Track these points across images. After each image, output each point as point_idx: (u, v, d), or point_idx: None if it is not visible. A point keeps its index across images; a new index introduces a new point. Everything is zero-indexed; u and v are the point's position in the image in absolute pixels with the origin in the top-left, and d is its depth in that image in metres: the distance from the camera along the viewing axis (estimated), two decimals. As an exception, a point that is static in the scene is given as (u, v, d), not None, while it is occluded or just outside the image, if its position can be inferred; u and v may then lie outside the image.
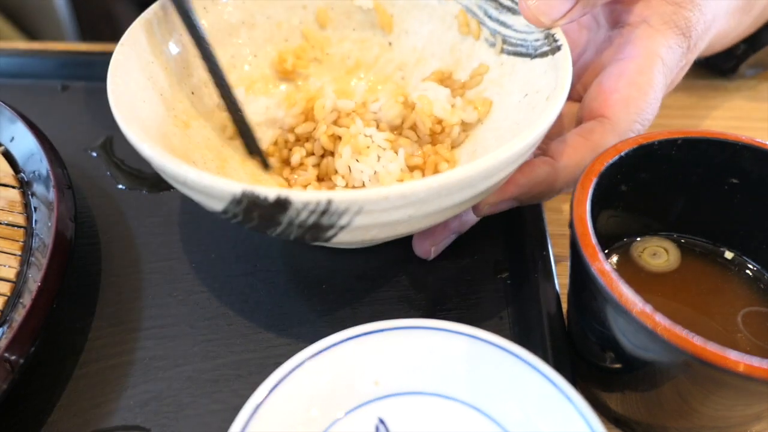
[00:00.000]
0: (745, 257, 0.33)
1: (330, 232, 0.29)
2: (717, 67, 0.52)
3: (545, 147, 0.36)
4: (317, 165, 0.39)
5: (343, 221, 0.28)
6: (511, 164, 0.30)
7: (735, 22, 0.42)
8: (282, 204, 0.27)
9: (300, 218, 0.28)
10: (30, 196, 0.39)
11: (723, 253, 0.33)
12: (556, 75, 0.34)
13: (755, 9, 0.43)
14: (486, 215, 0.36)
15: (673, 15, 0.35)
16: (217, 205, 0.29)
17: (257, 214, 0.28)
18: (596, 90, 0.36)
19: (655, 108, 0.35)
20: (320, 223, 0.28)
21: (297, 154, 0.39)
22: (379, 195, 0.27)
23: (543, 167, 0.34)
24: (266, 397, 0.28)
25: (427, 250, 0.38)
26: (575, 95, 0.40)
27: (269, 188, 0.27)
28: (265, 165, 0.40)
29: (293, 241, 0.34)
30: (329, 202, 0.27)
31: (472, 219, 0.38)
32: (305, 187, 0.39)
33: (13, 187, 0.40)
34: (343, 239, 0.30)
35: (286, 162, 0.41)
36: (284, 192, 0.27)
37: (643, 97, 0.35)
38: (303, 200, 0.27)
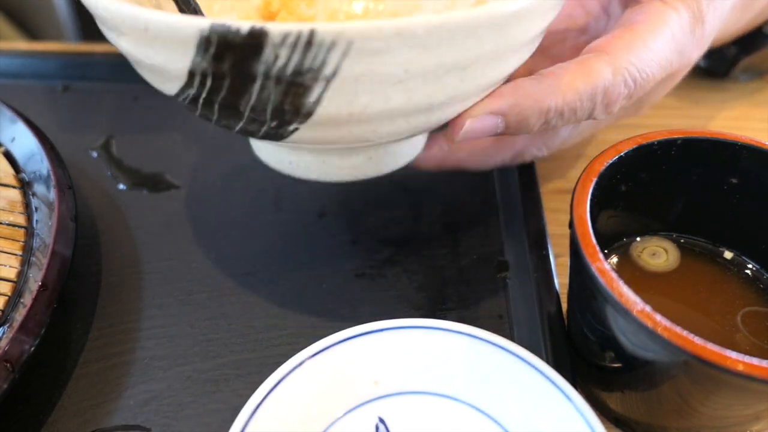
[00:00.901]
0: (744, 257, 0.33)
1: (313, 92, 0.25)
2: (708, 71, 0.52)
3: (534, 71, 0.34)
4: None
5: (328, 67, 0.24)
6: (522, 18, 0.27)
7: (734, 19, 0.42)
8: (257, 39, 0.23)
9: (278, 63, 0.24)
10: (31, 196, 0.39)
11: (722, 253, 0.33)
12: None
13: (755, 8, 0.43)
14: (466, 138, 0.32)
15: None
16: (183, 61, 0.25)
17: (229, 67, 0.25)
18: (597, 40, 0.34)
19: (656, 71, 0.33)
20: (302, 69, 0.24)
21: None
22: (371, 27, 0.24)
23: (530, 80, 0.32)
24: (266, 397, 0.28)
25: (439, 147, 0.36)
26: None
27: (241, 21, 0.23)
28: None
29: (269, 134, 0.29)
30: (312, 34, 0.23)
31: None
32: None
33: (14, 187, 0.40)
34: (329, 109, 0.26)
35: None
36: (259, 23, 0.23)
37: (647, 51, 0.33)
38: (282, 31, 0.23)
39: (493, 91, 0.31)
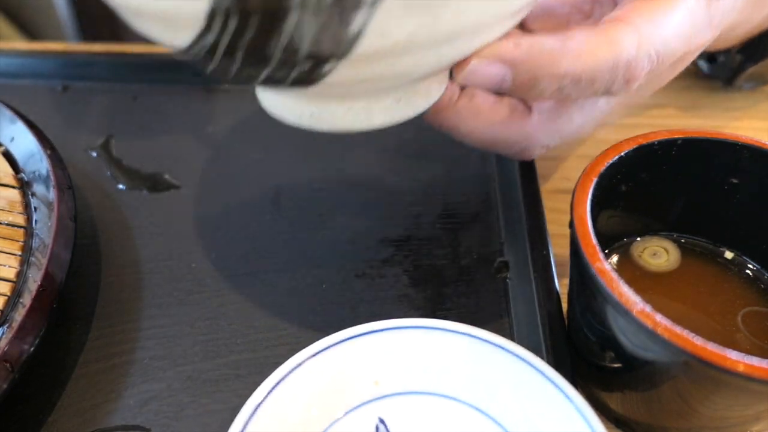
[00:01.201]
0: (745, 257, 0.33)
1: (357, 21, 0.21)
2: (711, 77, 0.51)
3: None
4: None
5: None
6: None
7: (745, 15, 0.40)
8: None
9: None
10: (30, 196, 0.39)
11: (723, 253, 0.33)
12: None
13: (765, 10, 0.41)
14: (468, 79, 0.29)
15: None
16: (201, 1, 0.21)
17: (258, 1, 0.21)
18: (615, 11, 0.32)
19: (679, 45, 0.31)
20: None
21: None
22: None
23: (551, 39, 0.29)
24: (266, 397, 0.28)
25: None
26: None
27: None
28: None
29: (298, 79, 0.25)
30: None
31: None
32: None
33: (14, 187, 0.40)
34: (372, 40, 0.22)
35: None
36: None
37: (670, 24, 0.30)
38: None
39: (510, 38, 0.28)
